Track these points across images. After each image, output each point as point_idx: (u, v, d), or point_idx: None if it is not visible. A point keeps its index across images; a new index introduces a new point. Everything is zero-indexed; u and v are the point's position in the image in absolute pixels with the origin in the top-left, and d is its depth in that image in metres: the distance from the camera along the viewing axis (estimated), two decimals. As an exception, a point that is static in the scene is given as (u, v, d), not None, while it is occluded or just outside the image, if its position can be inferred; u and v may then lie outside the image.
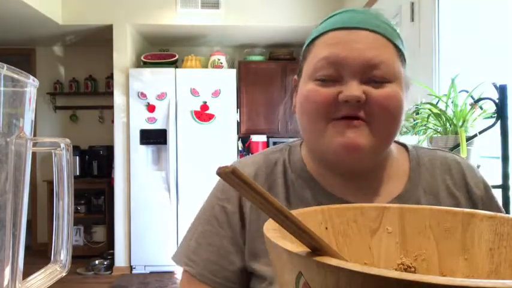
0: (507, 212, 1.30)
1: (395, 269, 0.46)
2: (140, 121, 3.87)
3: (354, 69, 0.61)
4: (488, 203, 0.70)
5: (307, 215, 0.46)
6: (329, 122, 0.63)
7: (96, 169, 4.51)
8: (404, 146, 0.76)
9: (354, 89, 0.60)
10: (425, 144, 1.48)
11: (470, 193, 0.70)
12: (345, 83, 0.61)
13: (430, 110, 1.44)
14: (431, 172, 0.71)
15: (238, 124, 4.27)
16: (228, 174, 0.28)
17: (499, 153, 1.32)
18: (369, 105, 0.61)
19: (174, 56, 4.08)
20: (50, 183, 4.35)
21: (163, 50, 4.34)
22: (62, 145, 0.30)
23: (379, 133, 0.62)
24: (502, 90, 1.29)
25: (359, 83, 0.61)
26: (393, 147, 0.73)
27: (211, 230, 0.72)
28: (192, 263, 0.71)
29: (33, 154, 0.28)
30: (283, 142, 0.82)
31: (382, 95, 0.61)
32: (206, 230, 0.72)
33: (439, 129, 1.41)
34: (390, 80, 0.62)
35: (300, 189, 0.70)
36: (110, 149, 4.37)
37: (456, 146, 1.29)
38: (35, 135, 0.31)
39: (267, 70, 4.39)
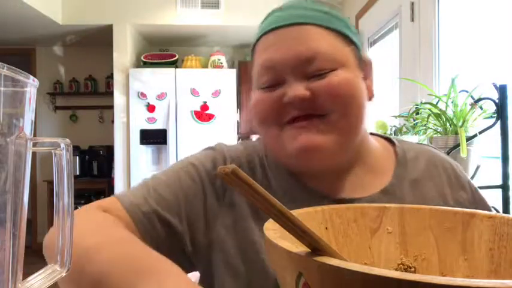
0: (507, 212, 1.30)
1: (396, 269, 0.46)
2: (140, 121, 3.87)
3: (290, 69, 0.58)
4: (475, 205, 0.67)
5: (307, 215, 0.46)
6: (282, 127, 0.60)
7: (96, 169, 4.51)
8: (388, 139, 0.73)
9: (294, 88, 0.58)
10: (425, 144, 1.47)
11: (458, 194, 0.67)
12: (287, 84, 0.59)
13: (430, 110, 1.44)
14: (417, 167, 0.68)
15: (238, 124, 4.27)
16: (228, 175, 0.28)
17: (499, 153, 1.32)
18: (317, 99, 0.57)
19: (174, 56, 4.08)
20: (50, 183, 4.35)
21: (163, 50, 4.34)
22: (62, 145, 0.30)
23: (337, 125, 0.58)
24: (502, 90, 1.29)
25: (301, 80, 0.58)
26: (374, 140, 0.70)
27: (174, 181, 0.64)
28: (129, 199, 0.61)
29: (33, 154, 0.28)
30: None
31: (327, 85, 0.57)
32: (167, 180, 0.65)
33: (439, 129, 1.41)
34: (334, 68, 0.58)
35: (279, 185, 0.66)
36: (110, 149, 4.37)
37: (456, 146, 1.29)
38: (35, 135, 0.31)
39: (267, 70, 4.39)
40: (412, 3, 2.42)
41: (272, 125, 0.61)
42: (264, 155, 0.70)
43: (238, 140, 4.25)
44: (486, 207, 0.68)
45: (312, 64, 0.58)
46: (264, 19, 0.67)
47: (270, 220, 0.37)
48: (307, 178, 0.66)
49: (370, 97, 0.64)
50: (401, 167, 0.67)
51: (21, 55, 4.79)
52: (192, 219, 0.64)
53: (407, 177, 0.67)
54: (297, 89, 0.57)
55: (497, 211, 1.30)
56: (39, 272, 0.29)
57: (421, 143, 0.75)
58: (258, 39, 0.65)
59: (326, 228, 0.47)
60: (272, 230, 0.36)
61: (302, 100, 0.57)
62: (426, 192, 0.66)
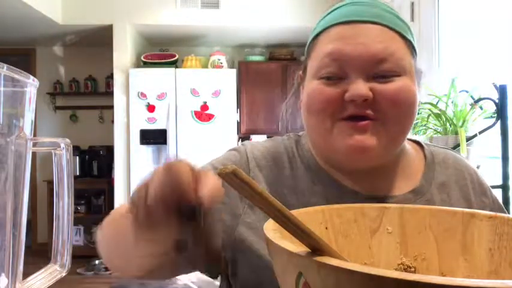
0: (507, 212, 1.30)
1: (396, 269, 0.46)
2: (140, 121, 3.86)
3: (359, 66, 0.58)
4: (496, 211, 0.69)
5: (307, 215, 0.46)
6: (335, 122, 0.60)
7: (96, 169, 4.51)
8: (417, 142, 0.75)
9: (360, 87, 0.57)
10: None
11: (481, 200, 0.68)
12: (351, 81, 0.58)
13: (430, 110, 1.44)
14: (444, 171, 0.69)
15: (238, 124, 4.27)
16: (228, 175, 0.28)
17: (499, 153, 1.32)
18: (377, 102, 0.57)
19: (174, 56, 4.08)
20: (50, 183, 4.35)
21: (163, 50, 4.34)
22: (62, 145, 0.30)
23: (390, 131, 0.59)
24: (502, 90, 1.29)
25: (365, 79, 0.58)
26: (406, 142, 0.71)
27: None
28: None
29: (33, 154, 0.28)
30: (301, 133, 0.77)
31: (391, 90, 0.57)
32: None
33: (439, 129, 1.41)
34: (399, 74, 0.58)
35: (309, 181, 0.66)
36: (110, 149, 4.36)
37: (456, 146, 1.29)
38: (35, 135, 0.31)
39: (267, 70, 4.39)
40: (412, 3, 2.42)
41: (326, 118, 0.60)
42: (295, 149, 0.70)
43: (238, 140, 4.25)
44: (503, 211, 0.70)
45: (381, 65, 0.58)
46: (333, 8, 0.65)
47: (270, 220, 0.37)
48: (341, 175, 0.66)
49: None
50: (430, 170, 0.69)
51: (21, 55, 4.79)
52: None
53: (436, 180, 0.68)
54: (362, 89, 0.57)
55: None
56: (39, 272, 0.29)
57: (443, 147, 0.77)
58: (325, 28, 0.63)
59: (326, 228, 0.47)
60: (272, 230, 0.36)
61: (363, 98, 0.57)
62: (452, 195, 0.67)
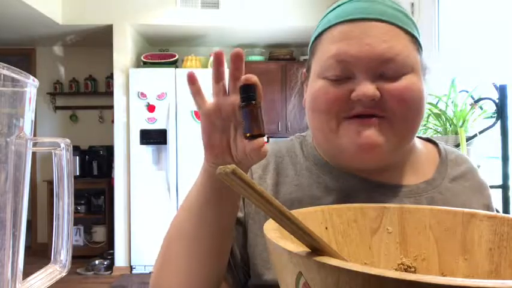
0: (507, 212, 1.30)
1: (396, 269, 0.46)
2: (140, 121, 3.86)
3: (366, 66, 0.57)
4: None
5: (307, 215, 0.46)
6: (341, 121, 0.59)
7: (96, 169, 4.51)
8: (430, 141, 0.75)
9: (367, 87, 0.56)
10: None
11: (484, 201, 0.70)
12: (357, 81, 0.57)
13: (430, 110, 1.44)
14: (457, 168, 0.70)
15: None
16: (228, 174, 0.28)
17: (499, 153, 1.32)
18: (385, 101, 0.57)
19: (174, 56, 4.08)
20: (50, 183, 4.35)
21: (163, 50, 4.34)
22: (62, 145, 0.30)
23: (399, 129, 0.59)
24: (502, 90, 1.29)
25: (372, 79, 0.57)
26: (418, 141, 0.71)
27: None
28: None
29: (33, 154, 0.28)
30: (306, 133, 0.79)
31: (398, 89, 0.57)
32: None
33: (439, 129, 1.41)
34: (407, 72, 0.58)
35: (315, 176, 0.67)
36: (110, 149, 4.36)
37: (456, 146, 1.29)
38: (35, 135, 0.31)
39: (266, 70, 4.39)
40: (412, 4, 2.42)
41: (331, 118, 0.60)
42: (299, 149, 0.71)
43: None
44: None
45: (388, 65, 0.57)
46: (336, 6, 0.64)
47: (270, 220, 0.37)
48: (348, 171, 0.66)
49: None
50: (444, 165, 0.69)
51: (21, 55, 4.79)
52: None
53: (448, 175, 0.68)
54: (369, 88, 0.56)
55: (497, 211, 1.30)
56: (39, 272, 0.29)
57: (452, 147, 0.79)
58: (328, 27, 0.62)
59: (326, 228, 0.47)
60: (272, 230, 0.36)
61: (371, 99, 0.56)
62: (461, 192, 0.67)
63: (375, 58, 0.57)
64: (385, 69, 0.57)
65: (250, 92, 0.50)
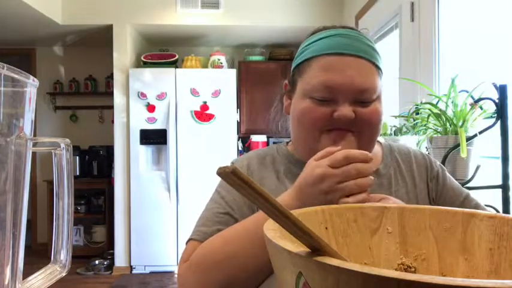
0: (507, 212, 1.30)
1: (396, 269, 0.46)
2: (140, 121, 3.86)
3: (347, 93, 0.74)
4: (443, 179, 0.85)
5: (307, 215, 0.46)
6: (322, 132, 0.77)
7: (96, 169, 4.51)
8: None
9: (346, 109, 0.74)
10: (425, 144, 1.48)
11: (429, 172, 0.85)
12: (339, 104, 0.74)
13: (430, 110, 1.44)
14: (399, 158, 0.87)
15: (238, 124, 4.27)
16: (228, 174, 0.28)
17: (499, 153, 1.32)
18: (357, 121, 0.74)
19: (174, 56, 4.08)
20: (50, 183, 4.35)
21: (163, 50, 4.34)
22: (62, 145, 0.30)
23: (365, 143, 0.77)
24: (502, 90, 1.29)
25: (350, 103, 0.74)
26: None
27: (217, 207, 0.81)
28: (200, 232, 0.78)
29: (33, 154, 0.28)
30: (282, 142, 0.94)
31: (367, 113, 0.75)
32: (213, 207, 0.81)
33: (439, 129, 1.41)
34: (374, 100, 0.76)
35: (287, 168, 0.84)
36: (110, 149, 4.36)
37: (456, 146, 1.29)
38: (35, 135, 0.31)
39: (266, 70, 4.39)
40: (412, 3, 2.42)
41: (316, 130, 0.77)
42: (276, 152, 0.88)
43: (238, 139, 4.26)
44: (452, 184, 0.87)
45: (362, 94, 0.74)
46: (318, 38, 0.78)
47: (270, 220, 0.37)
48: None
49: None
50: (387, 157, 0.87)
51: (21, 55, 4.79)
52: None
53: (393, 164, 0.86)
54: (348, 110, 0.74)
55: (497, 211, 1.30)
56: (39, 272, 0.29)
57: (401, 144, 0.95)
58: (316, 55, 0.77)
59: (326, 228, 0.47)
60: (272, 230, 0.35)
61: (348, 119, 0.74)
62: (405, 177, 0.84)
63: (354, 88, 0.74)
64: (360, 97, 0.74)
65: None
